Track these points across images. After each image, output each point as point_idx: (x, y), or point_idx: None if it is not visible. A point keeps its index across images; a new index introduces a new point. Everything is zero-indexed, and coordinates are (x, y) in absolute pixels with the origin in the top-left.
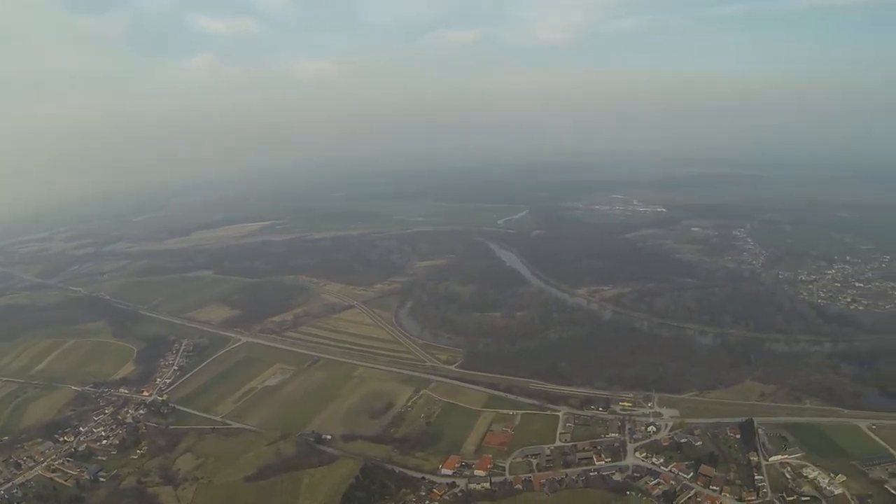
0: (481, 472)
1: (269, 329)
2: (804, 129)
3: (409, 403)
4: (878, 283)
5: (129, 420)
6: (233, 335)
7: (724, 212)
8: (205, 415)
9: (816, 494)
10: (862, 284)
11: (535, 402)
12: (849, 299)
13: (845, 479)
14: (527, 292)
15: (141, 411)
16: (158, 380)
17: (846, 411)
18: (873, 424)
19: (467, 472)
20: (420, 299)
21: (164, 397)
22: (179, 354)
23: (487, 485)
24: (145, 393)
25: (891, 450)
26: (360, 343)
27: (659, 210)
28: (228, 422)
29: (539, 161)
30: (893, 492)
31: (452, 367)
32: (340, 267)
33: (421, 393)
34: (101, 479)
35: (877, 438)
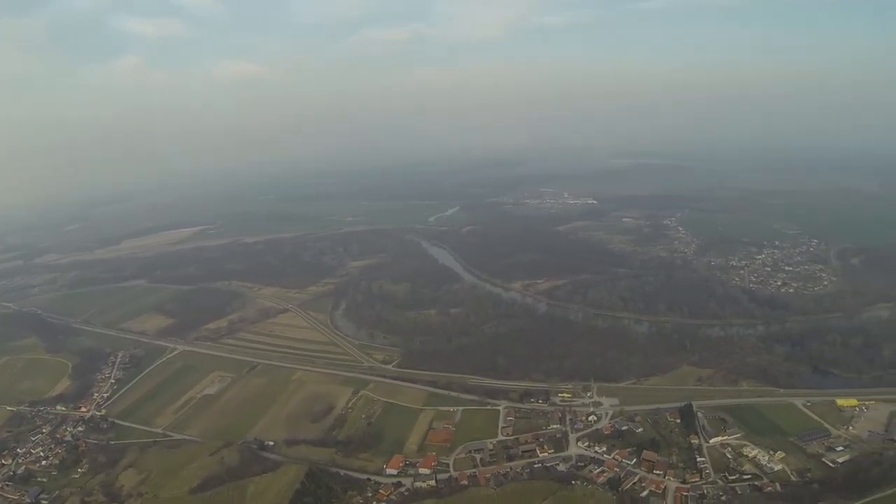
0: (426, 470)
1: (206, 336)
2: (736, 122)
3: (350, 405)
4: (806, 266)
5: (69, 438)
6: (169, 344)
7: (654, 202)
8: (145, 428)
9: (757, 472)
10: (791, 268)
11: (475, 398)
12: (779, 283)
13: (784, 455)
14: (461, 289)
15: (80, 428)
16: (96, 394)
17: (781, 391)
18: (808, 401)
19: (412, 471)
20: (354, 300)
21: (103, 412)
22: (116, 367)
23: (433, 482)
24: (83, 409)
25: (826, 425)
26: (296, 346)
27: (590, 202)
28: (170, 433)
29: (469, 157)
30: (831, 465)
31: (390, 367)
32: (274, 270)
33: (360, 394)
34: (43, 501)
35: (812, 415)
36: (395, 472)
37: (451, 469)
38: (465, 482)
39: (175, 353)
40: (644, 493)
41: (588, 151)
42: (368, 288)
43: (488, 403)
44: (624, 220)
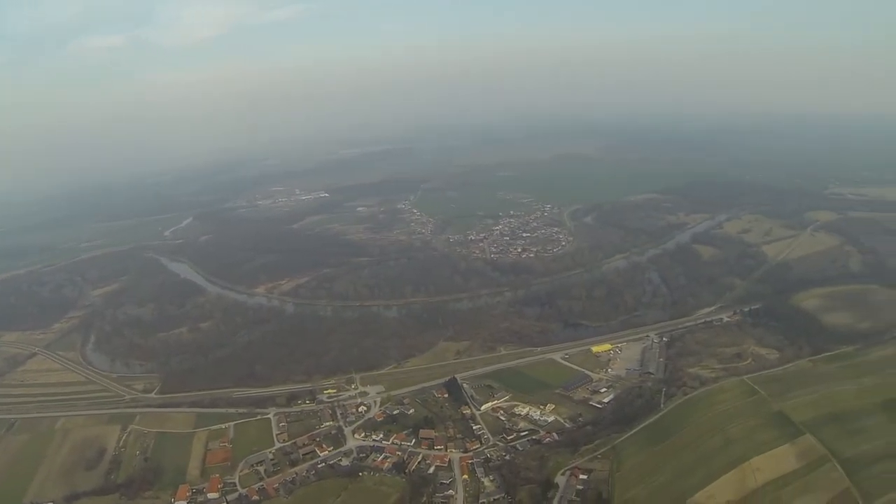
0: (214, 494)
1: None
2: (466, 102)
3: (121, 444)
4: (543, 231)
5: None
6: None
7: (386, 188)
8: None
9: (533, 427)
10: (529, 234)
11: (244, 410)
12: (519, 249)
13: (554, 406)
14: (207, 301)
15: None
16: None
17: (539, 349)
18: (565, 354)
19: (201, 498)
20: (102, 330)
21: None
22: None
23: None
24: None
25: (586, 371)
26: (53, 392)
27: (322, 195)
28: None
29: (198, 163)
30: (598, 406)
31: (152, 395)
32: (13, 313)
33: (129, 429)
34: None
35: (571, 365)
36: (184, 503)
37: (239, 487)
38: (255, 497)
39: None
40: (431, 470)
41: (318, 145)
42: (115, 316)
43: (257, 413)
44: (358, 209)
